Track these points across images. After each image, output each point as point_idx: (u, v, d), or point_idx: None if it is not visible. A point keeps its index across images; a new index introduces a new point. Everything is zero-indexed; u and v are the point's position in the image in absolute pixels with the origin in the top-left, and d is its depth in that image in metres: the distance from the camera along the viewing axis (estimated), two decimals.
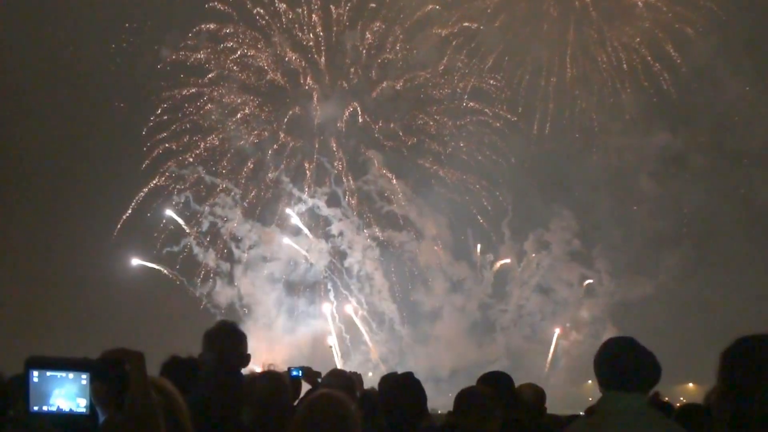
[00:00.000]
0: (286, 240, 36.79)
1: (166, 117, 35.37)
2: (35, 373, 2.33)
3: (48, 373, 2.33)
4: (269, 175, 37.08)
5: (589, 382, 33.60)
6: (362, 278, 37.39)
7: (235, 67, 36.51)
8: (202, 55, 35.65)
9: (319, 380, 6.09)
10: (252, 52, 36.59)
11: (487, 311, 38.01)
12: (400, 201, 38.03)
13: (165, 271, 35.01)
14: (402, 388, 4.98)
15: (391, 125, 38.29)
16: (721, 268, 34.29)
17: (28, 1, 32.08)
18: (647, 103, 37.23)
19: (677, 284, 34.99)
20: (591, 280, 37.65)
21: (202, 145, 36.20)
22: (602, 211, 36.88)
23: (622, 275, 37.09)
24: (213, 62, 36.09)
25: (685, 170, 36.13)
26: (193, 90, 35.81)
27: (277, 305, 36.43)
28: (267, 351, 32.26)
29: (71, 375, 2.33)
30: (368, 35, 37.61)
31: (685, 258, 35.07)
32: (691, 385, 33.03)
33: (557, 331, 37.40)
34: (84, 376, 2.35)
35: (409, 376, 5.10)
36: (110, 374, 2.39)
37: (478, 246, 38.75)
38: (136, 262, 34.67)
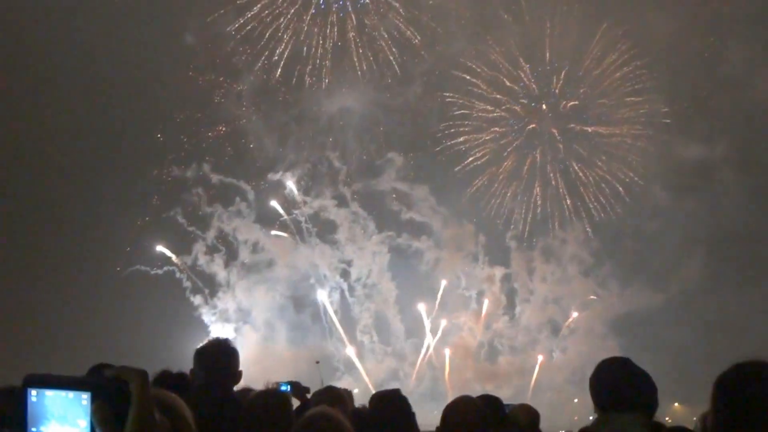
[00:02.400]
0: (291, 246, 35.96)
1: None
2: (33, 392, 2.20)
3: (47, 393, 2.21)
4: (277, 176, 36.13)
5: (576, 400, 33.53)
6: (368, 287, 36.53)
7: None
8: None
9: (309, 396, 6.05)
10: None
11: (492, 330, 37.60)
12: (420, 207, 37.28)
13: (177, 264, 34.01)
14: (391, 405, 4.99)
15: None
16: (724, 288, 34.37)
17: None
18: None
19: (676, 302, 35.06)
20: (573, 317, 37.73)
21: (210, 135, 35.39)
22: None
23: (625, 288, 36.98)
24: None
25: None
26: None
27: (277, 316, 35.50)
28: (261, 364, 31.54)
29: (71, 394, 2.21)
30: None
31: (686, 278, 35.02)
32: (677, 405, 33.04)
33: (540, 358, 37.25)
34: (85, 395, 2.22)
35: (397, 393, 5.11)
36: (112, 394, 2.29)
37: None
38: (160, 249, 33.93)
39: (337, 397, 5.58)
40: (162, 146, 35.26)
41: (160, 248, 34.46)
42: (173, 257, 34.36)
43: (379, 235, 36.90)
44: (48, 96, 32.18)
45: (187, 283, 34.50)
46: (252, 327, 34.75)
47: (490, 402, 5.19)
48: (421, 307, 37.04)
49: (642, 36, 36.32)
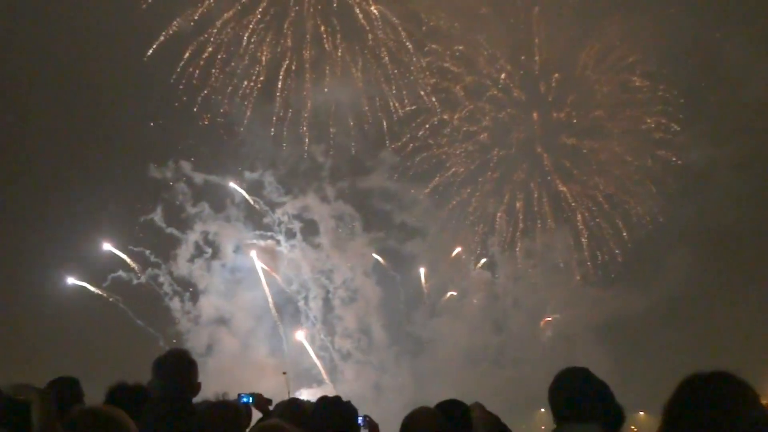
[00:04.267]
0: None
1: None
2: None
3: None
4: (257, 174, 34.69)
5: (542, 410, 33.65)
6: (349, 293, 35.32)
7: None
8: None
9: (271, 408, 5.96)
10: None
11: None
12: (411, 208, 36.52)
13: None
14: (331, 411, 5.02)
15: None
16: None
17: None
18: None
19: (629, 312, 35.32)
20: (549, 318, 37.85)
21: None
22: None
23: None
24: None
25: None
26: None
27: (256, 323, 34.20)
28: (236, 373, 30.68)
29: None
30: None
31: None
32: (642, 413, 33.34)
33: None
34: None
35: (338, 400, 5.10)
36: (10, 416, 2.09)
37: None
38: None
39: (297, 408, 5.50)
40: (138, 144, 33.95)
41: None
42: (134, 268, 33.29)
43: (365, 236, 35.95)
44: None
45: (167, 288, 33.30)
46: (230, 333, 33.68)
47: (453, 408, 5.13)
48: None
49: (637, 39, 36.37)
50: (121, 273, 32.69)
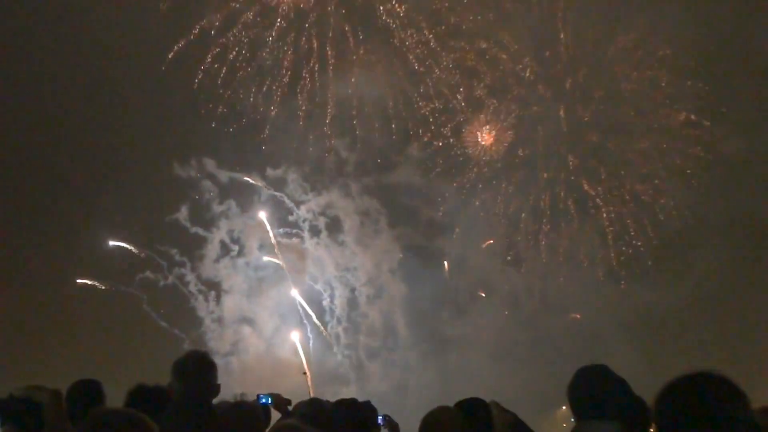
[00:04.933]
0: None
1: None
2: None
3: None
4: (280, 171, 34.19)
5: (563, 408, 33.39)
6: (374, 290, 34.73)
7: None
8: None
9: (290, 408, 5.99)
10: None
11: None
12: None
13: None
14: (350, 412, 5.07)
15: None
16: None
17: None
18: None
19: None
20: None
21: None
22: None
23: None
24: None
25: None
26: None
27: (281, 323, 33.89)
28: (261, 373, 30.68)
29: None
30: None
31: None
32: None
33: None
34: None
35: (355, 402, 5.23)
36: (23, 416, 2.13)
37: None
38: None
39: (319, 409, 5.52)
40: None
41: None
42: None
43: (391, 232, 35.27)
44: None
45: (193, 288, 33.42)
46: (255, 333, 33.75)
47: (473, 407, 5.10)
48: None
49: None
50: (148, 273, 33.03)
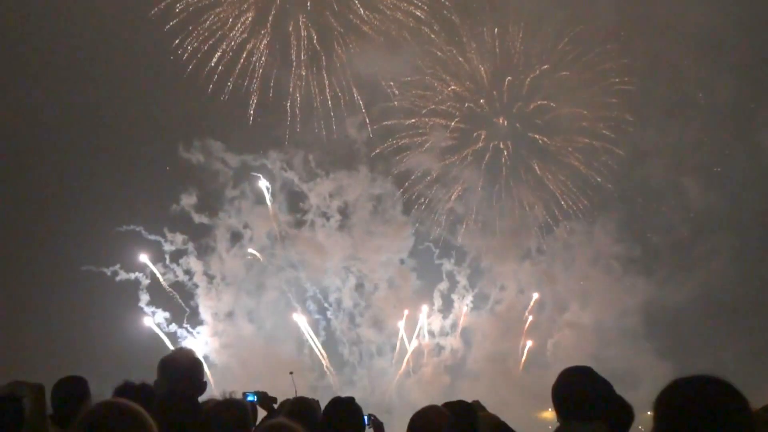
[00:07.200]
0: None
1: None
2: None
3: None
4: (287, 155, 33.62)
5: (549, 409, 33.35)
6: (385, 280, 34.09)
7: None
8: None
9: (276, 406, 6.00)
10: None
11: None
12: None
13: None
14: (343, 412, 5.06)
15: None
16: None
17: None
18: None
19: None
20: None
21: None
22: None
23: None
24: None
25: None
26: None
27: (281, 318, 33.23)
28: (252, 369, 30.21)
29: None
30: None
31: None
32: (650, 413, 32.95)
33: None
34: None
35: (351, 401, 5.21)
36: (5, 410, 2.12)
37: None
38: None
39: (305, 407, 5.54)
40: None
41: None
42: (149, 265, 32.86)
43: (404, 218, 34.64)
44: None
45: (190, 284, 32.76)
46: (253, 329, 33.17)
47: (460, 408, 5.15)
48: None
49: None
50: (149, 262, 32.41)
